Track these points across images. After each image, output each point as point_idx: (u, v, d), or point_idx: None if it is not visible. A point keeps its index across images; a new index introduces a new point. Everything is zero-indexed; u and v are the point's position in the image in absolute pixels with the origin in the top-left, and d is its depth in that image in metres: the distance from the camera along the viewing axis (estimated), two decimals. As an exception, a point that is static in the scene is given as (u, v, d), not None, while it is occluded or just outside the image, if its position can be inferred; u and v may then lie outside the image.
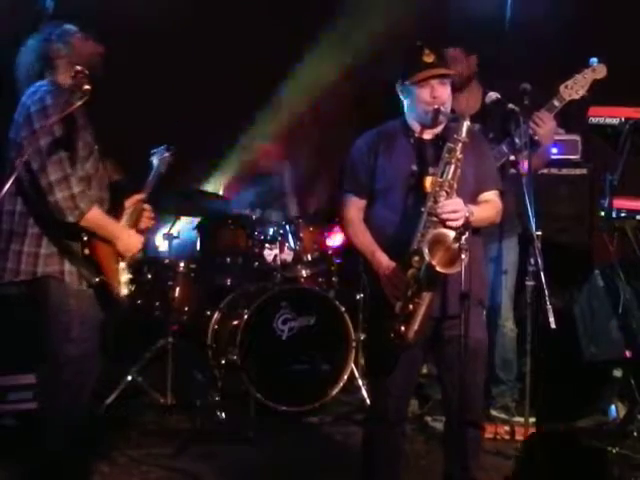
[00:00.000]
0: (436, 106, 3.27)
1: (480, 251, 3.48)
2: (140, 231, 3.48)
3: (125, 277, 3.36)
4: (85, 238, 3.21)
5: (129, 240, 3.34)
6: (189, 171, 5.61)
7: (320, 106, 6.10)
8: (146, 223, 3.55)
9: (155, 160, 3.80)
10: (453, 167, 3.19)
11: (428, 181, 3.24)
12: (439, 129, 3.37)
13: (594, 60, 4.15)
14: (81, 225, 3.17)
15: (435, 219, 3.16)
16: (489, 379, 4.78)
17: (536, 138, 4.25)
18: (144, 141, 3.95)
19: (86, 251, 3.20)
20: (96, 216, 3.19)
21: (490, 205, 3.40)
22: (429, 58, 3.28)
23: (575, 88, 4.15)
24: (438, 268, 3.05)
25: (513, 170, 4.28)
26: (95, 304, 3.28)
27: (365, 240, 3.36)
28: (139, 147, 3.92)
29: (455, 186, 3.19)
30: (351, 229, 3.43)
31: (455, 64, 4.36)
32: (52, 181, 3.10)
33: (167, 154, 3.83)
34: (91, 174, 3.27)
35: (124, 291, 3.35)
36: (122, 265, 3.36)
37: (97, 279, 3.23)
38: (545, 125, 4.21)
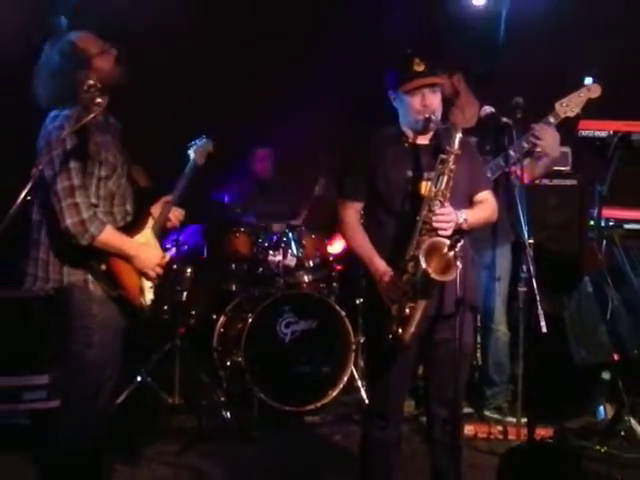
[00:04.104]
0: (427, 115, 3.29)
1: (469, 255, 3.50)
2: (167, 230, 3.49)
3: (149, 283, 3.33)
4: (102, 253, 3.20)
5: (146, 257, 3.29)
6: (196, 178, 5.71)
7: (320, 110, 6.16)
8: (172, 223, 3.53)
9: (192, 153, 3.62)
10: (446, 178, 3.22)
11: (423, 186, 3.28)
12: (431, 133, 3.41)
13: (589, 80, 4.22)
14: (94, 246, 3.16)
15: (429, 227, 3.21)
16: (483, 381, 4.87)
17: (538, 150, 4.28)
18: (157, 146, 3.87)
19: (103, 267, 3.20)
20: (109, 238, 3.17)
21: (486, 205, 3.47)
22: (419, 67, 3.29)
23: (570, 106, 4.22)
24: (433, 276, 3.10)
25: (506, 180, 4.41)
26: (118, 311, 3.27)
27: (363, 245, 3.37)
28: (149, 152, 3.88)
29: (448, 195, 3.23)
30: (349, 233, 3.43)
31: None
32: (63, 207, 3.11)
33: (207, 143, 3.65)
34: (114, 191, 3.27)
35: (148, 297, 3.33)
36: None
37: (115, 294, 3.23)
38: (544, 136, 4.24)
